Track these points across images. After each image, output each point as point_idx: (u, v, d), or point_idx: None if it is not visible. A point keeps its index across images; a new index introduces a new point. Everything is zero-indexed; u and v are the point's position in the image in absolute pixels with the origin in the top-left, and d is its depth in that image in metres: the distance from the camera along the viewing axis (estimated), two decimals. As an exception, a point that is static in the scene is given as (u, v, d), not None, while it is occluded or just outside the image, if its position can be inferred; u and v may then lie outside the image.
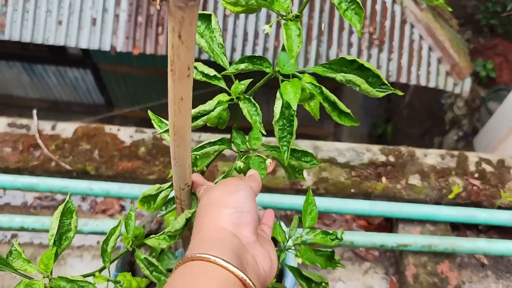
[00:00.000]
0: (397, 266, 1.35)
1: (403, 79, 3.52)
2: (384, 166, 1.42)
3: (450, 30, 3.74)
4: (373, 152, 1.45)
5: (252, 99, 0.57)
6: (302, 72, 0.54)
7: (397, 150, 1.46)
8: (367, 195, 1.38)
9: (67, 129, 1.44)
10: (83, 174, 1.39)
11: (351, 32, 3.50)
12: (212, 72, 0.57)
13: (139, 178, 1.38)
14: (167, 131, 0.57)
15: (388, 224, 1.41)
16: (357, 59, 0.50)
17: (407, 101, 5.00)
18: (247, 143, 0.62)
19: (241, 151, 0.62)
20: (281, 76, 0.54)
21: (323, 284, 0.75)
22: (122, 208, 1.44)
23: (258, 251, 0.49)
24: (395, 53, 3.54)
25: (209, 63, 0.61)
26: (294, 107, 0.51)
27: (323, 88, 0.52)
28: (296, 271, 0.73)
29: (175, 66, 0.42)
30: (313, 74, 0.57)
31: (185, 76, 0.43)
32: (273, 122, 0.55)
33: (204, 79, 0.58)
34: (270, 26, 0.51)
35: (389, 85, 0.51)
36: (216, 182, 0.58)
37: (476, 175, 1.42)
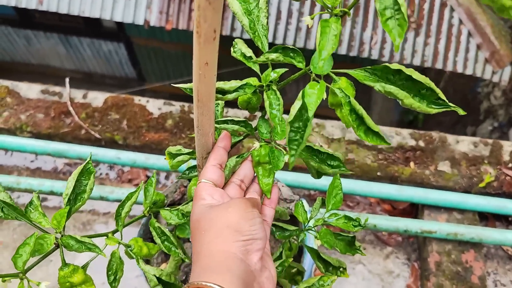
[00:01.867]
0: (419, 252, 1.32)
1: (439, 65, 3.41)
2: (413, 151, 1.39)
3: (492, 15, 3.58)
4: (403, 136, 1.42)
5: (277, 92, 0.54)
6: (338, 74, 0.51)
7: (428, 135, 1.42)
8: (393, 179, 1.36)
9: (97, 98, 1.47)
10: (111, 143, 1.41)
11: (387, 14, 3.39)
12: (249, 52, 0.55)
13: (165, 150, 1.40)
14: (185, 88, 0.56)
15: (413, 210, 1.38)
16: (404, 69, 0.45)
17: (441, 88, 4.85)
18: (271, 133, 0.60)
19: (264, 139, 0.61)
20: (313, 75, 0.49)
21: (341, 269, 0.74)
22: (148, 178, 1.46)
23: (264, 277, 0.51)
24: (432, 37, 3.43)
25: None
26: (311, 113, 0.46)
27: (352, 99, 0.47)
28: (315, 253, 0.72)
29: (201, 28, 0.41)
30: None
31: (211, 40, 0.42)
32: (287, 122, 0.50)
33: (240, 58, 0.56)
34: (312, 18, 0.47)
35: (446, 100, 0.45)
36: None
37: (510, 165, 1.37)
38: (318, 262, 0.72)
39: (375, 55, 3.40)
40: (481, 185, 1.30)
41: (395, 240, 1.36)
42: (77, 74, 4.95)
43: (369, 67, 0.47)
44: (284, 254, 0.72)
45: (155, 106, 1.46)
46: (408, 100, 0.45)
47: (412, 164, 1.37)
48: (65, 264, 0.55)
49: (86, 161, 0.59)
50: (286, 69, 0.55)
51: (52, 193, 1.29)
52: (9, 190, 1.33)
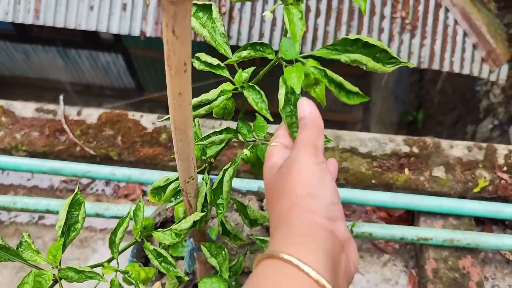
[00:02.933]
0: (417, 259, 1.32)
1: (435, 66, 3.41)
2: (407, 157, 1.39)
3: (487, 14, 3.58)
4: (396, 143, 1.42)
5: (256, 87, 0.56)
6: (306, 57, 0.53)
7: (422, 141, 1.42)
8: (388, 187, 1.36)
9: (92, 114, 1.47)
10: (106, 159, 1.42)
11: (382, 17, 3.40)
12: (215, 61, 0.57)
13: (160, 164, 1.40)
14: (167, 119, 0.57)
15: (409, 217, 1.38)
16: (361, 37, 0.48)
17: (439, 88, 4.86)
18: (253, 132, 0.62)
19: (248, 140, 0.62)
20: (284, 62, 0.53)
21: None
22: (144, 193, 1.46)
23: (351, 247, 0.44)
24: (428, 38, 3.43)
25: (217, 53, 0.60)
26: (298, 91, 0.50)
27: (327, 71, 0.50)
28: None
29: (171, 61, 0.42)
30: (318, 58, 0.55)
31: (182, 72, 0.43)
32: (279, 110, 0.53)
33: (207, 68, 0.57)
34: (271, 12, 0.50)
35: (398, 57, 0.49)
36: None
37: (505, 168, 1.36)
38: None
39: (371, 58, 3.40)
40: (476, 190, 1.30)
41: (392, 248, 1.36)
42: (76, 86, 4.98)
43: (329, 44, 0.51)
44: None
45: (149, 120, 1.46)
46: (371, 63, 0.49)
47: (406, 170, 1.37)
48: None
49: (75, 192, 0.60)
50: (254, 67, 0.57)
51: (48, 211, 1.29)
52: (5, 210, 1.34)
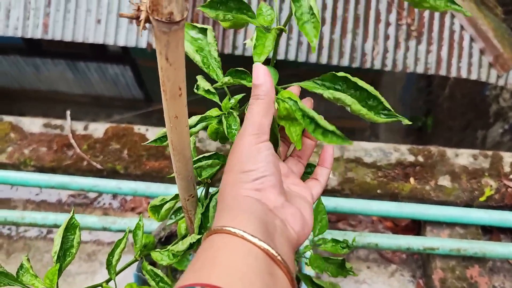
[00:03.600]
0: (424, 269, 1.31)
1: (442, 72, 3.39)
2: (412, 167, 1.39)
3: (494, 19, 3.57)
4: (401, 152, 1.42)
5: (234, 114, 0.56)
6: (286, 88, 0.53)
7: (427, 150, 1.42)
8: (393, 196, 1.35)
9: (98, 129, 1.49)
10: (113, 173, 1.43)
11: (387, 24, 3.40)
12: (207, 86, 0.58)
13: (166, 177, 1.41)
14: (154, 141, 0.58)
15: (416, 226, 1.37)
16: (349, 77, 0.47)
17: (447, 93, 4.83)
18: None
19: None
20: None
21: (337, 294, 0.75)
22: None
23: (287, 213, 0.46)
24: (434, 44, 3.42)
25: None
26: None
27: (299, 103, 0.48)
28: (308, 279, 0.73)
29: (166, 86, 0.43)
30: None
31: (177, 96, 0.44)
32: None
33: (203, 93, 0.58)
34: (252, 40, 0.51)
35: (392, 110, 0.46)
36: None
37: (511, 176, 1.35)
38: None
39: (377, 65, 3.40)
40: (482, 198, 1.30)
41: (399, 258, 1.35)
42: (85, 98, 5.03)
43: (318, 77, 0.50)
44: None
45: (154, 133, 1.48)
46: (356, 106, 0.47)
47: (412, 180, 1.37)
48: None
49: (69, 217, 0.61)
50: (243, 94, 0.57)
51: (56, 226, 1.31)
52: (14, 225, 1.36)
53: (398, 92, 5.24)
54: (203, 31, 0.55)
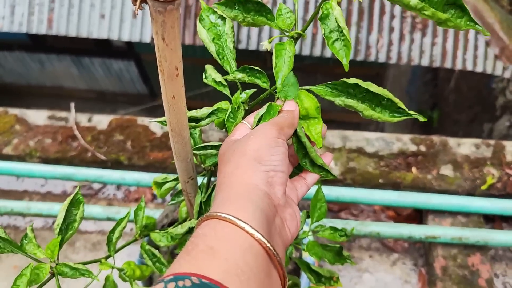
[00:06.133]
0: (426, 257, 1.32)
1: (447, 64, 3.38)
2: (414, 156, 1.39)
3: (500, 11, 3.54)
4: (403, 142, 1.42)
5: (242, 108, 0.55)
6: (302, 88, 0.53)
7: (429, 140, 1.42)
8: (395, 186, 1.36)
9: (102, 121, 1.51)
10: (116, 164, 1.45)
11: (392, 17, 3.39)
12: (218, 77, 0.58)
13: (169, 168, 1.43)
14: (160, 121, 0.58)
15: (418, 215, 1.38)
16: (361, 83, 0.48)
17: (453, 86, 4.81)
18: None
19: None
20: (277, 95, 0.52)
21: (334, 278, 0.75)
22: (154, 197, 1.49)
23: (287, 213, 0.46)
24: (439, 37, 3.40)
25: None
26: None
27: (298, 128, 0.51)
28: (305, 265, 0.74)
29: (163, 67, 0.44)
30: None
31: (174, 76, 0.45)
32: None
33: (212, 84, 0.58)
34: (270, 42, 0.50)
35: (405, 108, 0.47)
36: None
37: (513, 165, 1.35)
38: (309, 274, 0.74)
39: (382, 58, 3.39)
40: (483, 187, 1.30)
41: (401, 246, 1.36)
42: (90, 94, 5.06)
43: (330, 82, 0.50)
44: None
45: (157, 125, 1.49)
46: (368, 111, 0.48)
47: (414, 169, 1.37)
48: (60, 292, 0.58)
49: (75, 192, 0.62)
50: (255, 90, 0.57)
51: (61, 216, 1.33)
52: (20, 215, 1.38)
53: (403, 85, 5.21)
54: (223, 18, 0.54)
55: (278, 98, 0.52)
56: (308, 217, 0.75)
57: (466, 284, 1.20)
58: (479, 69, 3.51)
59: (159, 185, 0.68)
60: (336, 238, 0.71)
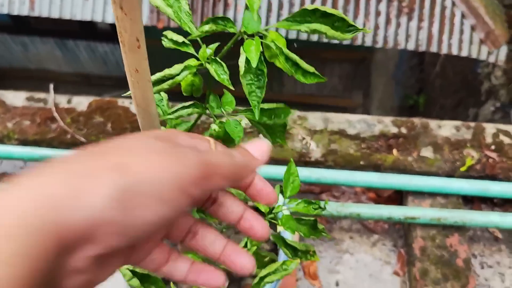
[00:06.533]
0: (405, 238, 1.33)
1: (433, 48, 3.39)
2: (395, 138, 1.40)
3: (486, -5, 3.55)
4: (385, 124, 1.42)
5: (218, 59, 0.57)
6: (267, 30, 0.54)
7: (410, 122, 1.42)
8: (376, 168, 1.36)
9: (82, 102, 1.48)
10: (97, 146, 1.43)
11: (379, 0, 3.38)
12: (180, 38, 0.58)
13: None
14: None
15: (398, 197, 1.39)
16: (319, 7, 0.50)
17: (438, 70, 4.83)
18: (221, 108, 0.63)
19: (216, 115, 0.63)
20: (246, 36, 0.53)
21: (310, 252, 0.76)
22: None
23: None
24: (425, 21, 3.40)
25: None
26: (254, 64, 0.51)
27: (284, 49, 0.52)
28: (281, 240, 0.74)
29: (123, 38, 0.42)
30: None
31: (136, 48, 0.43)
32: (240, 77, 0.55)
33: (173, 46, 0.58)
34: None
35: (355, 25, 0.50)
36: None
37: (493, 147, 1.37)
38: (284, 249, 0.74)
39: (368, 42, 3.39)
40: (463, 169, 1.31)
41: (382, 228, 1.37)
42: (76, 78, 4.99)
43: (289, 16, 0.52)
44: (249, 243, 0.73)
45: (138, 107, 1.47)
46: (330, 31, 0.50)
47: (395, 151, 1.38)
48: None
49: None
50: (218, 43, 0.58)
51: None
52: (-2, 198, 1.36)
53: (390, 70, 5.23)
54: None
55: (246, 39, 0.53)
56: (281, 192, 0.74)
57: (444, 264, 1.22)
58: (464, 53, 3.52)
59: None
60: (310, 211, 0.71)
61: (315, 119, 1.44)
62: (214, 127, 0.62)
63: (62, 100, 1.49)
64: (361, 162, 1.36)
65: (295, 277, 1.26)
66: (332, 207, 1.27)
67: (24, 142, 1.43)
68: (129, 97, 0.53)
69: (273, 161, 1.36)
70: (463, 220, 1.23)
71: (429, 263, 1.23)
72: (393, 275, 1.29)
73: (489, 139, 1.37)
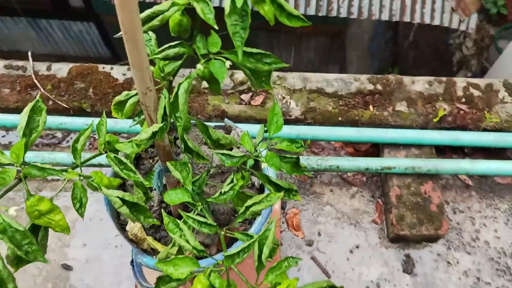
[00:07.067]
0: (382, 188, 1.40)
1: (406, 18, 3.45)
2: (371, 95, 1.45)
3: (457, -35, 3.61)
4: (361, 81, 1.47)
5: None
6: None
7: (385, 79, 1.48)
8: (354, 123, 1.41)
9: (62, 69, 1.49)
10: (79, 112, 1.44)
11: (353, -30, 3.41)
12: None
13: (133, 114, 1.43)
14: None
15: (375, 150, 1.45)
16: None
17: (411, 42, 4.90)
18: (207, 47, 0.65)
19: (202, 55, 0.66)
20: None
21: (293, 192, 0.80)
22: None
23: None
24: (399, -10, 3.44)
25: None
26: (239, 4, 0.54)
27: None
28: (264, 177, 0.78)
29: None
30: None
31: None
32: (225, 17, 0.57)
33: None
34: None
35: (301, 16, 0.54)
36: None
37: (463, 99, 1.43)
38: (268, 186, 0.78)
39: (343, 13, 3.43)
40: (435, 120, 1.37)
41: (360, 180, 1.43)
42: (51, 58, 4.89)
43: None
44: (235, 179, 0.77)
45: (119, 72, 1.49)
46: None
47: (371, 107, 1.43)
48: (30, 194, 0.59)
49: (36, 100, 0.63)
50: None
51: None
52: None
53: (365, 43, 5.28)
54: None
55: None
56: (266, 131, 0.78)
57: (419, 210, 1.29)
58: (436, 22, 3.59)
59: (122, 104, 0.69)
60: (293, 149, 0.75)
61: (294, 79, 1.48)
62: (200, 67, 0.65)
63: (42, 67, 1.49)
64: (339, 119, 1.41)
65: (279, 228, 1.31)
66: (313, 160, 1.32)
67: (5, 110, 1.43)
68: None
69: (255, 120, 1.40)
70: (436, 168, 1.30)
71: (405, 209, 1.29)
72: (372, 223, 1.35)
73: (460, 92, 1.44)
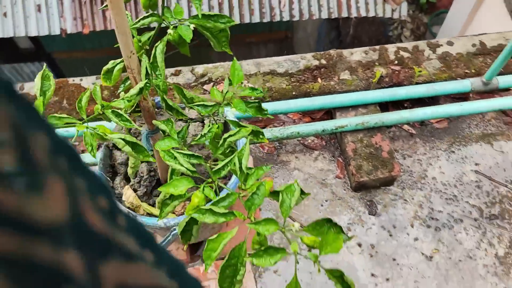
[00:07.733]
0: (340, 147, 1.58)
1: (344, 14, 3.74)
2: (318, 69, 1.64)
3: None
4: (307, 59, 1.67)
5: None
6: None
7: (327, 54, 1.68)
8: (307, 95, 1.60)
9: (34, 87, 1.60)
10: (57, 122, 1.56)
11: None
12: None
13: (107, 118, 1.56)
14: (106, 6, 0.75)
15: (328, 116, 1.63)
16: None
17: (353, 36, 5.23)
18: (174, 17, 0.82)
19: (171, 23, 0.82)
20: None
21: (261, 136, 0.96)
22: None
23: None
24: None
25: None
26: None
27: None
28: (235, 123, 0.94)
29: None
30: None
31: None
32: None
33: None
34: None
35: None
36: None
37: (396, 62, 1.65)
38: (238, 128, 0.93)
39: (286, 17, 3.68)
40: (374, 80, 1.58)
41: (320, 145, 1.61)
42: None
43: None
44: (206, 130, 0.92)
45: (88, 82, 1.62)
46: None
47: (319, 79, 1.62)
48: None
49: (43, 69, 0.77)
50: None
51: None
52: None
53: (312, 46, 5.58)
54: None
55: None
56: (230, 83, 0.94)
57: (373, 158, 1.47)
58: (371, 13, 3.90)
59: (110, 72, 0.84)
60: (254, 94, 0.92)
61: (249, 65, 1.65)
62: (170, 31, 0.81)
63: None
64: (293, 93, 1.59)
65: (255, 194, 1.46)
66: (275, 131, 1.49)
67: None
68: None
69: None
70: (382, 120, 1.50)
71: (361, 160, 1.48)
72: (336, 179, 1.53)
73: (392, 56, 1.65)
